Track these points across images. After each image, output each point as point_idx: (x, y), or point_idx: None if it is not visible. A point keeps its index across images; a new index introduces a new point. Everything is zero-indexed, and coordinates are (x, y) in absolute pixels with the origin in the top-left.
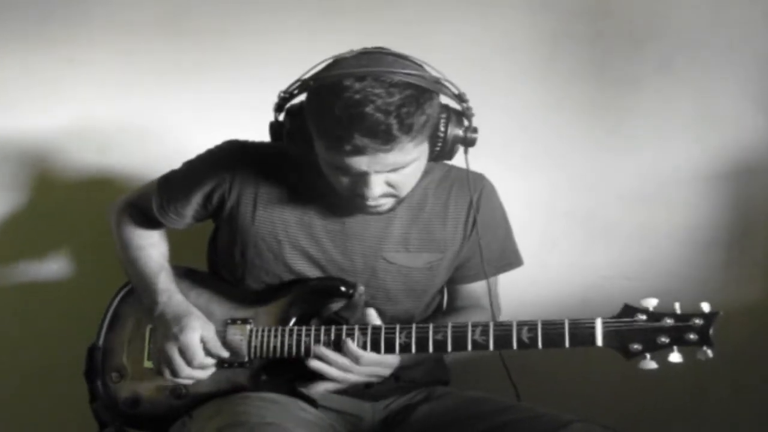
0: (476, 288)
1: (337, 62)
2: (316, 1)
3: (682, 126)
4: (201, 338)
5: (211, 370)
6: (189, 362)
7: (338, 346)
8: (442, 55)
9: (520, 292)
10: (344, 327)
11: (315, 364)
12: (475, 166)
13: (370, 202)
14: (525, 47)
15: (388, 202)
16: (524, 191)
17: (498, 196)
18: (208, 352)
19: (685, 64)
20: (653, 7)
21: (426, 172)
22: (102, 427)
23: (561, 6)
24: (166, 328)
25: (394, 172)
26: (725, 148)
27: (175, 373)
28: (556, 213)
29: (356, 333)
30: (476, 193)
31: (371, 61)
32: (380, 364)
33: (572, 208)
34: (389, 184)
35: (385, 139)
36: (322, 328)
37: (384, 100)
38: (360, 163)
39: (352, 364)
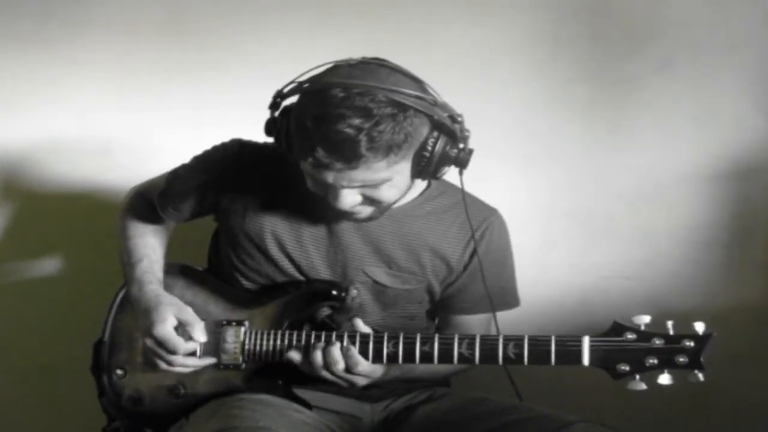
0: (468, 321)
1: (333, 69)
2: (316, 1)
3: (682, 126)
4: (179, 323)
5: (208, 360)
6: (174, 353)
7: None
8: (442, 54)
9: (520, 293)
10: (334, 333)
11: (293, 354)
12: (475, 167)
13: (343, 210)
14: (525, 47)
15: (365, 210)
16: (524, 191)
17: (507, 233)
18: (191, 337)
19: (685, 64)
20: (653, 7)
21: (436, 196)
22: (110, 422)
23: (561, 6)
24: (142, 323)
25: (367, 188)
26: (725, 148)
27: (168, 363)
28: (556, 213)
29: (345, 340)
30: (482, 227)
31: (364, 73)
32: (368, 375)
33: (572, 208)
34: (365, 197)
35: (350, 157)
36: (313, 334)
37: (359, 116)
38: (326, 176)
39: (342, 364)
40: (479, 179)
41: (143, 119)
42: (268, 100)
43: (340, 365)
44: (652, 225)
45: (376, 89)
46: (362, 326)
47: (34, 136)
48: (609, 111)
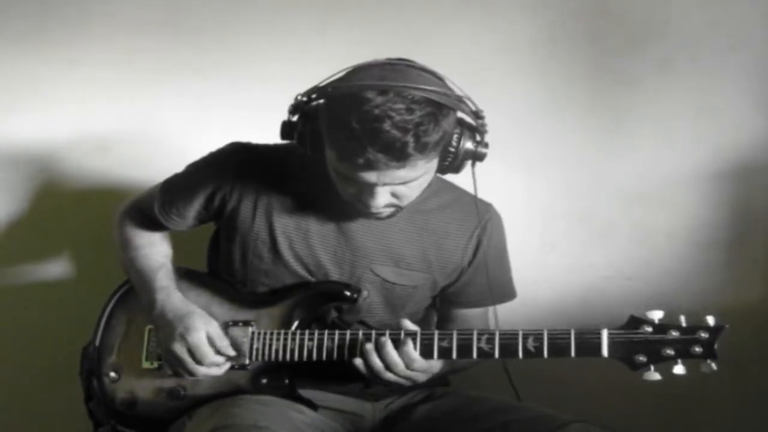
0: (470, 314)
1: (360, 71)
2: (316, 1)
3: (682, 126)
4: (207, 336)
5: (226, 366)
6: (200, 362)
7: (342, 350)
8: (442, 55)
9: (520, 293)
10: (348, 331)
11: (358, 362)
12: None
13: (372, 210)
14: (524, 47)
15: (388, 211)
16: (523, 192)
17: (503, 227)
18: (218, 351)
19: (685, 64)
20: (653, 7)
21: (435, 193)
22: (97, 427)
23: (560, 6)
24: (170, 329)
25: (402, 184)
26: (725, 148)
27: (191, 373)
28: (556, 213)
29: (360, 338)
30: (483, 221)
31: (395, 74)
32: (426, 371)
33: (572, 209)
34: (394, 195)
35: (399, 156)
36: (326, 333)
37: (403, 117)
38: (370, 176)
39: (402, 365)
40: (478, 180)
41: (143, 119)
42: (269, 100)
43: (401, 365)
44: (652, 225)
45: (412, 89)
46: (410, 325)
47: (34, 136)
48: (608, 111)
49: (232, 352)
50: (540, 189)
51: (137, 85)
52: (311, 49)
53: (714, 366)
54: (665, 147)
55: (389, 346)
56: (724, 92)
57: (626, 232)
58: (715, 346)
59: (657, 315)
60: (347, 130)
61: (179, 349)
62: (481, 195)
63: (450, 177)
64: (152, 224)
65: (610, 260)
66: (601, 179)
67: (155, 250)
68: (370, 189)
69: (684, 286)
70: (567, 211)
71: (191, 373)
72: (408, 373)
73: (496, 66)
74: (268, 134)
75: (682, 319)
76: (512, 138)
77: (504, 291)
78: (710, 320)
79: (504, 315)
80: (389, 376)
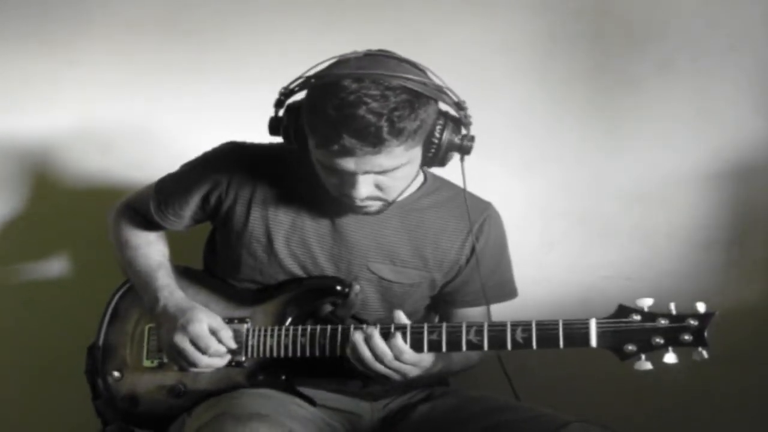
0: (471, 313)
1: (340, 62)
2: (317, 1)
3: (682, 126)
4: (209, 328)
5: (227, 358)
6: (204, 351)
7: (334, 345)
8: (441, 55)
9: (520, 293)
10: (340, 326)
11: (351, 353)
12: (474, 167)
13: (357, 203)
14: (524, 47)
15: (375, 204)
16: (523, 192)
17: (503, 225)
18: (220, 341)
19: (685, 64)
20: (653, 7)
21: (433, 191)
22: (105, 425)
23: (560, 6)
24: (172, 322)
25: (383, 174)
26: (725, 149)
27: (193, 363)
28: (555, 213)
29: (351, 332)
30: (479, 220)
31: (373, 63)
32: (416, 364)
33: (571, 209)
34: (378, 186)
35: (374, 141)
36: (318, 328)
37: (378, 102)
38: (348, 163)
39: (391, 356)
40: (478, 180)
41: (143, 119)
42: (269, 99)
43: (389, 356)
44: (652, 225)
45: (388, 77)
46: (403, 318)
47: (34, 137)
48: (608, 111)
49: (233, 345)
50: (540, 189)
51: (137, 85)
52: (311, 49)
53: (705, 354)
54: (665, 147)
55: (377, 337)
56: (724, 92)
57: (626, 232)
58: (705, 334)
59: (647, 303)
60: (324, 116)
61: (181, 339)
62: (480, 194)
63: (439, 171)
64: (148, 224)
65: (610, 260)
66: (601, 179)
67: (153, 249)
68: (350, 178)
69: (684, 286)
70: (567, 211)
71: (193, 364)
72: (397, 364)
73: (496, 66)
74: (268, 134)
75: (672, 306)
76: (512, 138)
77: (504, 290)
78: (700, 307)
79: (503, 315)
80: (378, 367)
